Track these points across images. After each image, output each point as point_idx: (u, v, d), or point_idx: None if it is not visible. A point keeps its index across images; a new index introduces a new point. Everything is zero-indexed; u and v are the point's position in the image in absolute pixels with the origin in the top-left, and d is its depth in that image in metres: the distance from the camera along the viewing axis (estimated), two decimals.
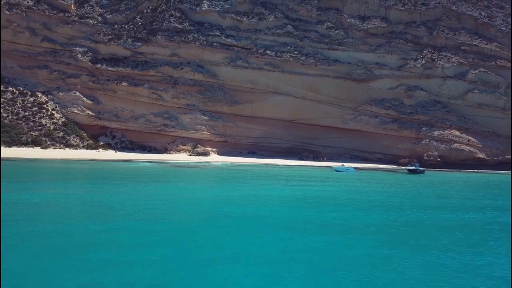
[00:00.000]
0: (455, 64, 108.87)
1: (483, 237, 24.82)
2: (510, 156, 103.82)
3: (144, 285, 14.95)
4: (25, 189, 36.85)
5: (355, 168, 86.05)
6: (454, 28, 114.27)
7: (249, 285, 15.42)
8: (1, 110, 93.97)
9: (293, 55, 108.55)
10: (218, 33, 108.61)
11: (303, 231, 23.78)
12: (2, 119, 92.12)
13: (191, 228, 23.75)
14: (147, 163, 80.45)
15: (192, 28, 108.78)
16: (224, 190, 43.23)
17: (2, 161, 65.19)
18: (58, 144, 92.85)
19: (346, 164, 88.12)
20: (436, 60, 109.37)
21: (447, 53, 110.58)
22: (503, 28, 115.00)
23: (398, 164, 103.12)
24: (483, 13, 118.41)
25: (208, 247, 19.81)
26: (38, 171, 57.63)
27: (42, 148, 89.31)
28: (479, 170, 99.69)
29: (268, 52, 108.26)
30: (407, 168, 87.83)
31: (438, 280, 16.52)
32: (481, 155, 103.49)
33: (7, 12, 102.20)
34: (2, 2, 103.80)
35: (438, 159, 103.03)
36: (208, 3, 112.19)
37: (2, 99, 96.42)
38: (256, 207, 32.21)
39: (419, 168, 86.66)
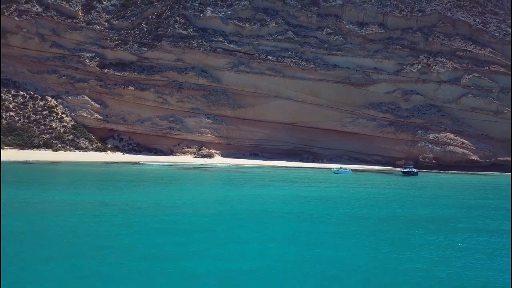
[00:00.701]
0: (450, 69, 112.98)
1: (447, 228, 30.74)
2: (502, 158, 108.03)
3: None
4: (72, 190, 42.34)
5: (354, 169, 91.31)
6: (449, 34, 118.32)
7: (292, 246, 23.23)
8: (13, 114, 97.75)
9: (293, 60, 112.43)
10: (221, 39, 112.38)
11: (311, 222, 30.46)
12: (14, 123, 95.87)
13: (232, 220, 30.30)
14: (158, 166, 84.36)
15: (196, 34, 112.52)
16: (240, 191, 48.17)
17: (21, 164, 69.09)
18: (68, 147, 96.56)
19: (344, 166, 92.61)
20: (431, 65, 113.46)
21: (442, 59, 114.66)
22: (496, 34, 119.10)
23: (395, 166, 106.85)
24: (477, 20, 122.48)
25: (252, 232, 26.64)
26: (67, 174, 61.62)
27: (53, 150, 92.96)
28: (472, 172, 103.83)
29: (269, 57, 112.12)
30: (402, 170, 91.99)
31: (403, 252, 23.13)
32: (474, 157, 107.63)
33: (17, 18, 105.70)
34: (12, 9, 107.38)
35: (433, 161, 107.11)
36: (212, 9, 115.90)
37: (13, 103, 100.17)
38: (273, 205, 38.14)
39: (413, 170, 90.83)
